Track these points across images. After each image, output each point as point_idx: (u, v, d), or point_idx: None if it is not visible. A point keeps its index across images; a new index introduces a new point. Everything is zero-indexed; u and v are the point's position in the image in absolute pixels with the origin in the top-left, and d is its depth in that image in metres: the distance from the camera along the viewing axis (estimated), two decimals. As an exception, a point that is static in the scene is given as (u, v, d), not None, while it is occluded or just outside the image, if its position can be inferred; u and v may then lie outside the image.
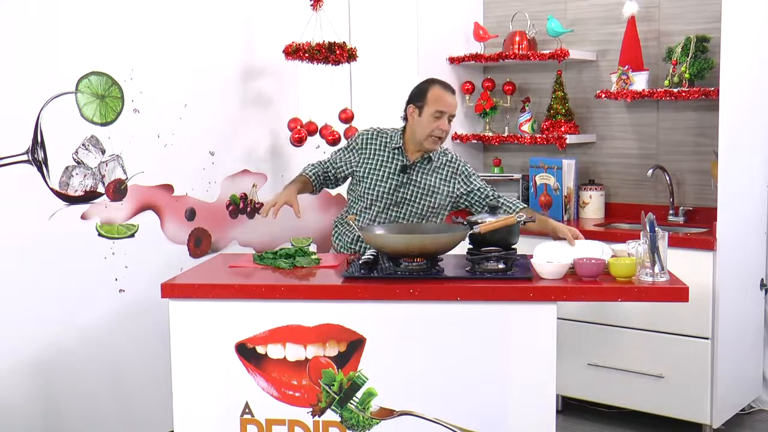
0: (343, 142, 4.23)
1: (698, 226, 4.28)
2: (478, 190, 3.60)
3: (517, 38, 4.77)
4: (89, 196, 3.62)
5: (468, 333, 2.90)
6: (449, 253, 3.15)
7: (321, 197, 4.50)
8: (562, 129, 4.64)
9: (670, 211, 4.44)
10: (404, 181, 3.56)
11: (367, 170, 3.58)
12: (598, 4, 4.69)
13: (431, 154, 3.58)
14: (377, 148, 3.60)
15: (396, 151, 3.57)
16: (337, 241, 3.72)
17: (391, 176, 3.56)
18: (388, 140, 3.60)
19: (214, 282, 3.02)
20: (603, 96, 4.47)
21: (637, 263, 2.95)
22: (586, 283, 2.92)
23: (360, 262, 3.13)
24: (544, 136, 4.65)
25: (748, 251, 4.17)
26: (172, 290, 2.98)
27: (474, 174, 3.65)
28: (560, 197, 4.57)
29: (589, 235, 4.23)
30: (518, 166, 4.99)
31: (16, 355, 3.40)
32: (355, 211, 3.63)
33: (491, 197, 3.56)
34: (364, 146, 3.62)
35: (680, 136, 4.49)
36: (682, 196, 4.49)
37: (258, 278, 3.07)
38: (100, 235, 3.67)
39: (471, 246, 3.15)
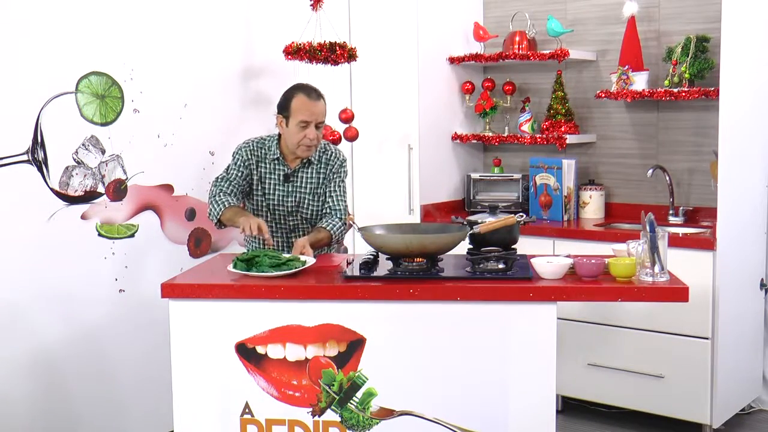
0: (346, 144, 4.23)
1: (698, 226, 4.28)
2: (329, 197, 3.53)
3: (517, 38, 4.77)
4: (89, 196, 3.62)
5: (468, 333, 2.90)
6: (449, 253, 3.15)
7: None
8: (562, 129, 4.64)
9: (670, 211, 4.44)
10: (290, 189, 3.52)
11: (256, 182, 3.52)
12: (598, 4, 4.69)
13: (310, 157, 3.52)
14: (260, 159, 3.52)
15: (276, 162, 3.51)
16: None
17: (276, 187, 3.52)
18: (266, 151, 3.52)
19: (214, 282, 3.01)
20: (603, 96, 4.47)
21: (637, 263, 2.95)
22: (586, 283, 2.92)
23: (360, 262, 3.13)
24: (544, 136, 4.65)
25: (748, 251, 4.17)
26: (172, 290, 2.98)
27: (340, 182, 3.57)
28: (560, 197, 4.57)
29: (589, 235, 4.26)
30: (518, 166, 4.99)
31: (16, 354, 3.40)
32: None
33: (332, 205, 3.51)
34: (249, 158, 3.51)
35: (680, 136, 4.49)
36: (682, 196, 4.49)
37: (258, 278, 3.07)
38: (100, 235, 3.67)
39: (471, 246, 3.15)
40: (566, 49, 4.52)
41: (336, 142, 4.25)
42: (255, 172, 3.51)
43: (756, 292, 4.27)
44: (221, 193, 3.46)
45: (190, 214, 4.03)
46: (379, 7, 4.65)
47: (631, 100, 4.46)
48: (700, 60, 4.24)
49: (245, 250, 3.50)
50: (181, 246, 4.00)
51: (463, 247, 3.18)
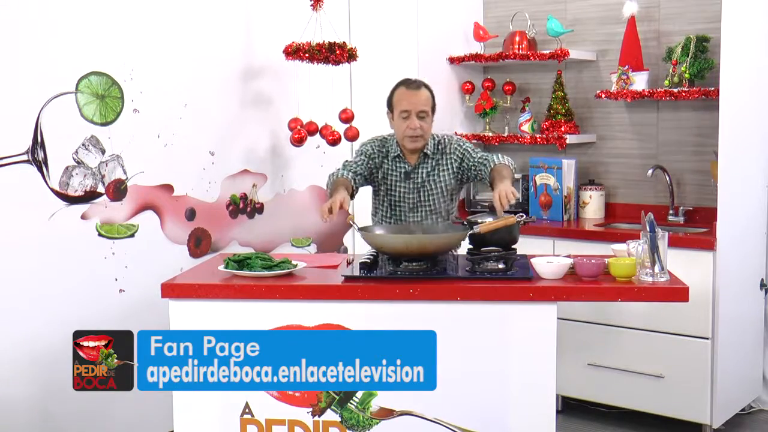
0: (346, 144, 4.24)
1: (698, 226, 4.28)
2: (472, 158, 3.53)
3: (517, 38, 4.77)
4: (89, 196, 3.62)
5: (468, 333, 2.90)
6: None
7: (322, 198, 4.50)
8: (562, 129, 4.64)
9: (670, 211, 4.44)
10: (411, 186, 3.54)
11: (380, 179, 3.57)
12: (598, 4, 4.69)
13: (426, 151, 3.54)
14: (383, 157, 3.57)
15: (397, 159, 3.55)
16: None
17: (398, 184, 3.55)
18: (389, 149, 3.58)
19: (214, 282, 3.01)
20: (603, 96, 4.47)
21: (637, 263, 2.95)
22: (586, 283, 2.92)
23: (360, 262, 3.13)
24: (544, 136, 4.65)
25: (748, 251, 4.17)
26: (172, 290, 2.98)
27: (465, 145, 3.58)
28: (560, 197, 4.57)
29: (589, 235, 4.26)
30: (518, 166, 4.97)
31: (16, 354, 3.40)
32: (378, 219, 3.63)
33: (481, 159, 3.51)
34: (373, 155, 3.56)
35: (680, 136, 4.49)
36: (682, 196, 4.49)
37: (258, 278, 3.07)
38: (100, 235, 3.67)
39: (471, 246, 3.15)
40: (566, 49, 4.52)
41: (336, 142, 4.25)
42: (379, 169, 3.57)
43: (756, 292, 4.27)
44: (339, 170, 3.50)
45: (190, 214, 4.03)
46: (379, 7, 4.65)
47: (631, 100, 4.46)
48: (700, 60, 4.24)
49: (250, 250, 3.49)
50: (181, 246, 4.00)
51: (464, 247, 3.18)
